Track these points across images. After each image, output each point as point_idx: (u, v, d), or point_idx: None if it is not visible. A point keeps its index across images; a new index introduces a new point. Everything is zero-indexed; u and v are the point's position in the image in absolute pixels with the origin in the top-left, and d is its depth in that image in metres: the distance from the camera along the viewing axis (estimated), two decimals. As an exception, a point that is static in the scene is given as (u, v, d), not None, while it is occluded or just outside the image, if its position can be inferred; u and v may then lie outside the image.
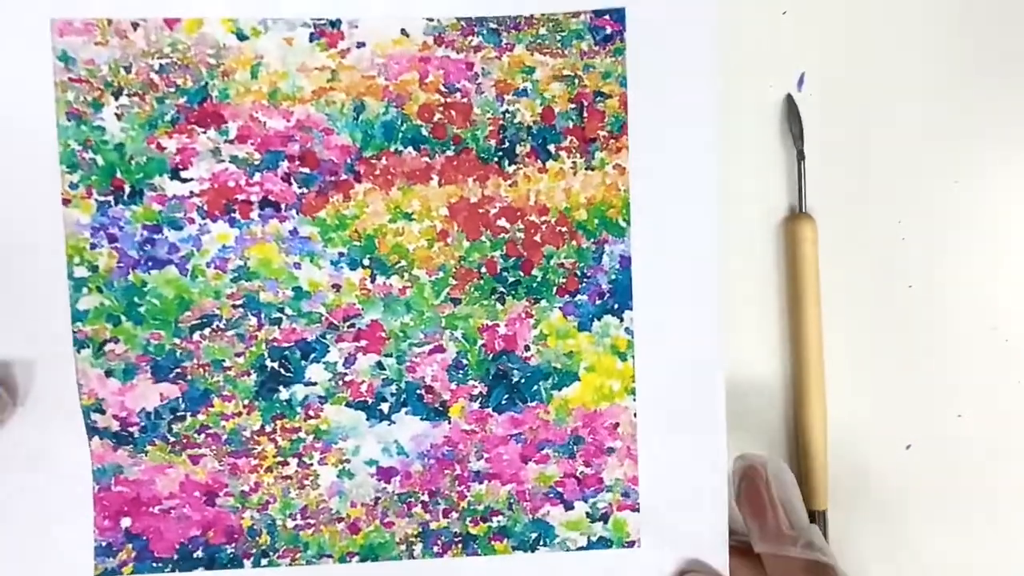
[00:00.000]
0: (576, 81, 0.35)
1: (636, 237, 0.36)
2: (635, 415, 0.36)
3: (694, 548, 0.36)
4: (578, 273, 0.36)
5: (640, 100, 0.35)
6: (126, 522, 0.35)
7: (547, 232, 0.36)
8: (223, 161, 0.35)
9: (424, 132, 0.35)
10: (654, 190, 0.35)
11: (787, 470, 0.35)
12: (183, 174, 0.35)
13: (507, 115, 0.35)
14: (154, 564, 0.35)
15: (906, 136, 0.38)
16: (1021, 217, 0.38)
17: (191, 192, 0.35)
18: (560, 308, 0.36)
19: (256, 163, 0.35)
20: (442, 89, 0.35)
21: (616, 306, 0.36)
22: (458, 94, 0.35)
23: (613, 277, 0.36)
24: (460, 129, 0.35)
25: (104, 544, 0.35)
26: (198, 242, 0.35)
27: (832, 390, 0.38)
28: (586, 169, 0.35)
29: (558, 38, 0.35)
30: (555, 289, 0.36)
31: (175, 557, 0.36)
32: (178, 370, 0.35)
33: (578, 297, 0.36)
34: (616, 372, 0.36)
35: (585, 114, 0.35)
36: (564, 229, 0.36)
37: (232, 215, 0.35)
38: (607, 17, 0.35)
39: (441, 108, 0.35)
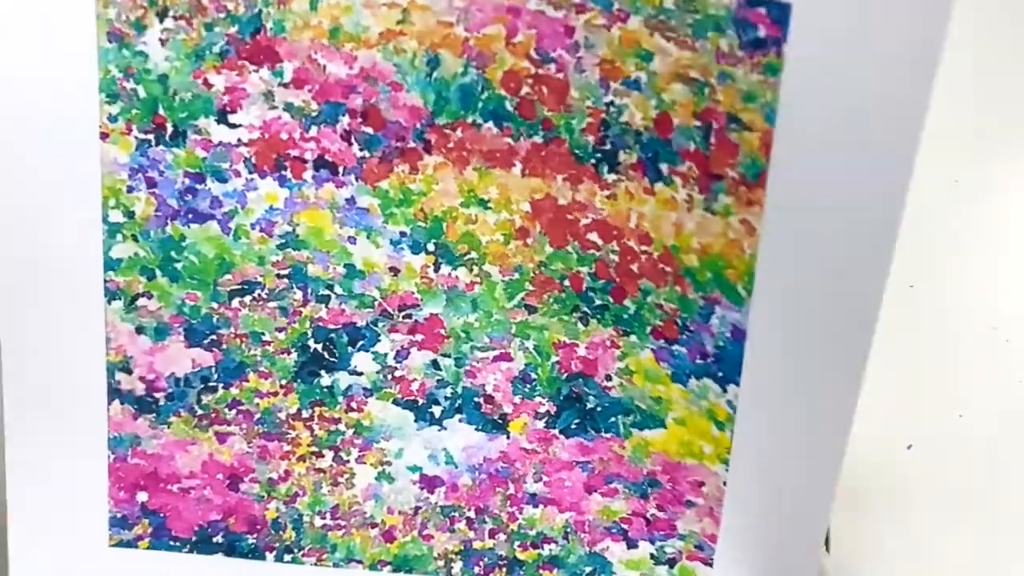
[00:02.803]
0: (706, 91, 0.25)
1: (756, 314, 0.26)
2: (724, 483, 0.28)
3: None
4: (679, 322, 0.27)
5: (792, 148, 0.24)
6: (142, 496, 0.30)
7: (647, 265, 0.26)
8: (276, 108, 0.27)
9: (508, 106, 0.26)
10: (790, 266, 0.25)
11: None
12: (231, 118, 0.27)
13: (612, 109, 0.25)
14: (171, 543, 0.30)
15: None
16: (1021, 217, 0.36)
17: (239, 140, 0.27)
18: (653, 350, 0.27)
19: (313, 114, 0.27)
20: (533, 55, 0.25)
21: (720, 374, 0.27)
22: (552, 66, 0.25)
23: (721, 344, 0.27)
24: (552, 112, 0.26)
25: (119, 516, 0.30)
26: (243, 199, 0.27)
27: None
28: (705, 210, 0.25)
29: (689, 21, 0.25)
30: (649, 329, 0.27)
31: (193, 539, 0.30)
32: (213, 337, 0.28)
33: (676, 347, 0.27)
34: (710, 437, 0.28)
35: (712, 140, 0.25)
36: (669, 269, 0.26)
37: (283, 173, 0.27)
38: (762, 10, 0.24)
39: (531, 80, 0.25)
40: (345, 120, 0.28)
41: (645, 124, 0.26)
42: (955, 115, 0.36)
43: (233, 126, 0.28)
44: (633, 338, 0.28)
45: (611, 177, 0.27)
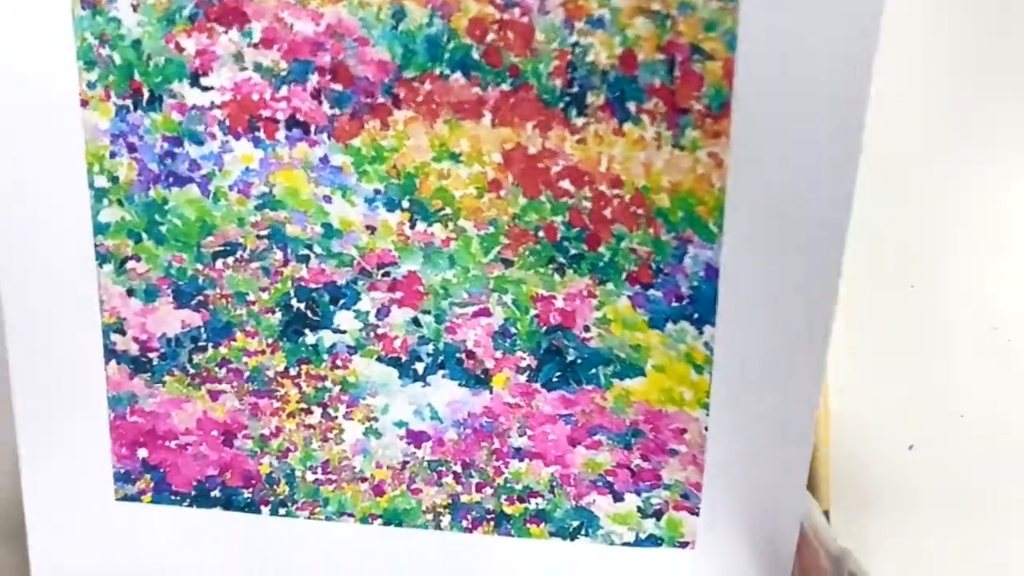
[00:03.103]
0: (668, 23, 0.24)
1: (728, 248, 0.25)
2: (706, 428, 0.27)
3: (754, 561, 0.28)
4: (653, 266, 0.26)
5: (753, 73, 0.24)
6: (143, 453, 0.31)
7: (619, 209, 0.26)
8: (246, 69, 0.27)
9: (475, 55, 0.25)
10: (759, 198, 0.24)
11: (810, 497, 0.30)
12: (203, 81, 0.27)
13: (577, 50, 0.25)
14: (172, 497, 0.31)
15: (907, 136, 0.34)
16: (1021, 217, 0.35)
17: (212, 103, 0.27)
18: (629, 297, 0.27)
19: (282, 73, 0.26)
20: (497, 0, 0.24)
21: (696, 316, 0.27)
22: (517, 10, 0.25)
23: (695, 284, 0.26)
24: (518, 58, 0.25)
25: (123, 471, 0.31)
26: (220, 161, 0.28)
27: (834, 390, 0.36)
28: (673, 146, 0.25)
29: None
30: (624, 275, 0.26)
31: (193, 493, 0.31)
32: (200, 297, 0.29)
33: (651, 291, 0.27)
34: (690, 382, 0.27)
35: (677, 72, 0.24)
36: (640, 211, 0.26)
37: (256, 134, 0.27)
38: None
39: (496, 26, 0.25)
40: (314, 78, 0.27)
41: (611, 62, 0.25)
42: (956, 114, 0.35)
43: (206, 88, 0.28)
44: (609, 286, 0.28)
45: (580, 121, 0.26)
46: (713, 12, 0.24)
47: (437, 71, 0.27)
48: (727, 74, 0.25)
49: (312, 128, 0.28)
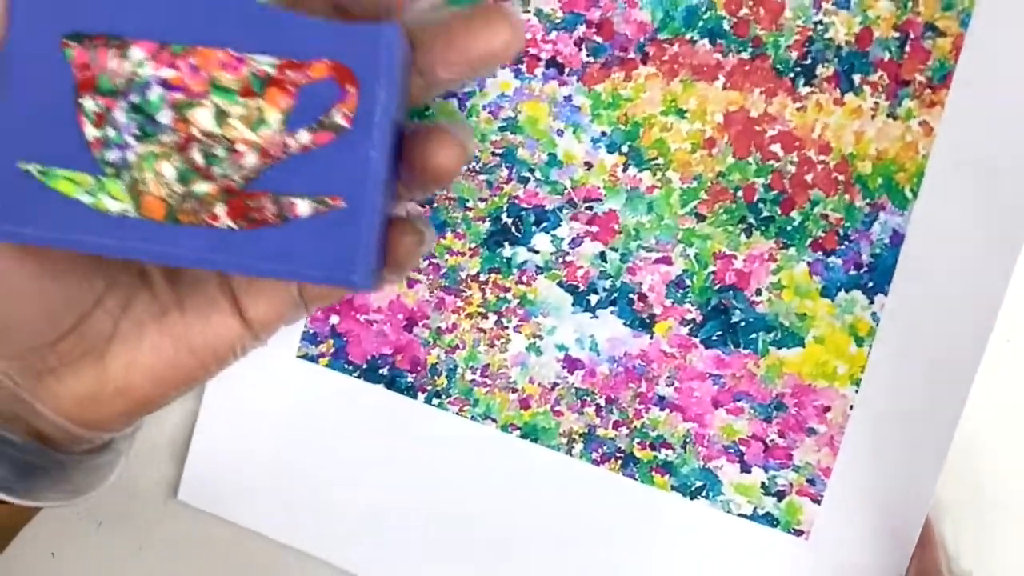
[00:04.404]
0: (908, 4, 0.27)
1: (918, 215, 0.27)
2: (851, 407, 0.28)
3: (868, 558, 0.28)
4: (840, 232, 0.28)
5: (980, 49, 0.26)
6: (334, 319, 0.34)
7: (821, 174, 0.28)
8: (528, 12, 0.31)
9: (726, 26, 0.29)
10: (959, 167, 0.27)
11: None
12: (489, 18, 0.32)
13: (819, 27, 0.28)
14: (346, 365, 0.34)
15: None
16: None
17: (490, 36, 0.32)
18: (808, 263, 0.29)
19: (557, 21, 0.31)
20: None
21: (871, 284, 0.28)
22: None
23: (878, 251, 0.28)
24: (764, 31, 0.29)
25: (312, 332, 0.34)
26: (483, 83, 0.32)
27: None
28: (888, 116, 0.28)
29: None
30: (809, 241, 0.29)
31: (364, 366, 0.33)
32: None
33: (832, 259, 0.28)
34: (847, 355, 0.29)
35: (907, 48, 0.27)
36: (841, 177, 0.28)
37: (519, 66, 0.31)
38: None
39: (752, 2, 0.28)
40: (581, 29, 0.32)
41: (847, 39, 0.28)
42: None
43: (490, 23, 0.33)
44: (792, 251, 0.30)
45: (805, 90, 0.29)
46: None
47: (688, 36, 0.31)
48: (955, 49, 0.27)
49: (566, 70, 0.32)
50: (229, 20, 0.23)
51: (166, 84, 0.23)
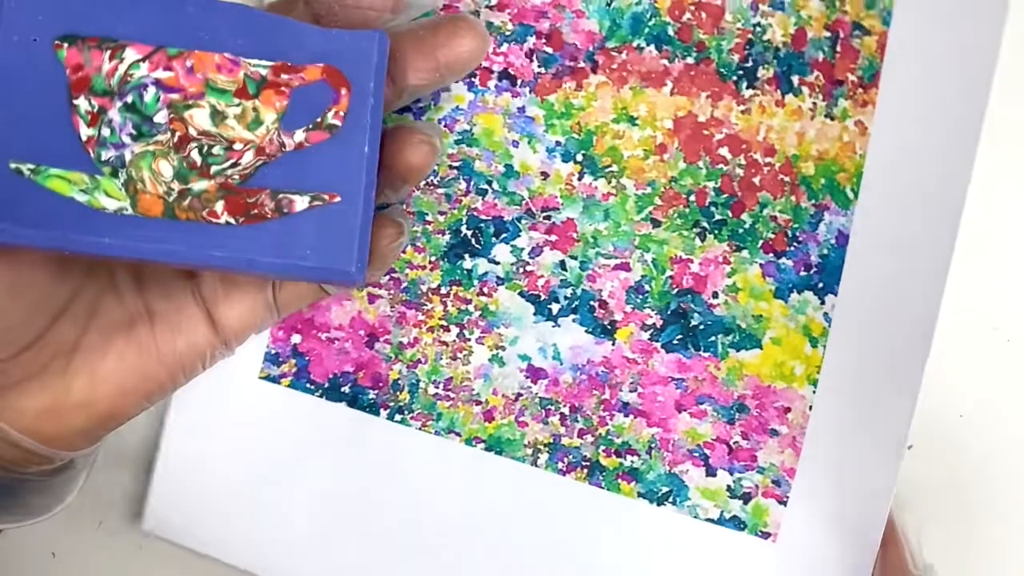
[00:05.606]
0: (836, 3, 0.27)
1: (860, 215, 0.27)
2: (810, 408, 0.28)
3: (836, 556, 0.27)
4: (789, 233, 0.28)
5: (902, 47, 0.26)
6: (296, 339, 0.33)
7: (768, 177, 0.28)
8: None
9: (670, 31, 0.29)
10: (894, 165, 0.27)
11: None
12: (442, 33, 0.31)
13: (757, 29, 0.28)
14: (308, 385, 0.33)
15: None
16: (1022, 216, 0.33)
17: (444, 51, 0.31)
18: (761, 265, 0.29)
19: (507, 33, 0.31)
20: None
21: (820, 285, 0.28)
22: None
23: (825, 252, 0.28)
24: (706, 35, 0.29)
25: (274, 352, 0.33)
26: (437, 98, 0.32)
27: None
28: (826, 116, 0.28)
29: None
30: (760, 243, 0.28)
31: (326, 385, 0.33)
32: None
33: (783, 260, 0.28)
34: (803, 356, 0.28)
35: (839, 48, 0.27)
36: (787, 179, 0.28)
37: (472, 80, 0.31)
38: None
39: (693, 7, 0.29)
40: (532, 40, 0.32)
41: (784, 40, 0.28)
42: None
43: (442, 38, 0.33)
44: (745, 253, 0.30)
45: (748, 92, 0.29)
46: None
47: (635, 43, 0.31)
48: (880, 47, 0.28)
49: (519, 82, 0.32)
50: (224, 25, 0.23)
51: (162, 85, 0.23)
